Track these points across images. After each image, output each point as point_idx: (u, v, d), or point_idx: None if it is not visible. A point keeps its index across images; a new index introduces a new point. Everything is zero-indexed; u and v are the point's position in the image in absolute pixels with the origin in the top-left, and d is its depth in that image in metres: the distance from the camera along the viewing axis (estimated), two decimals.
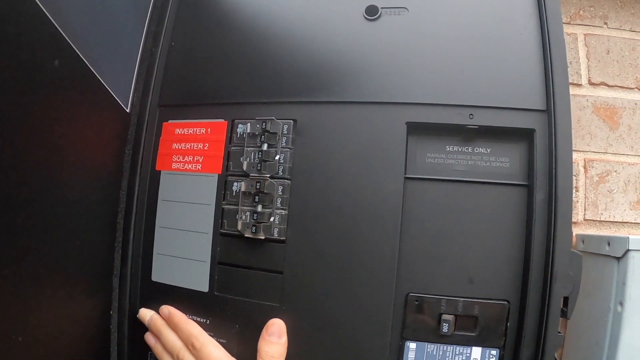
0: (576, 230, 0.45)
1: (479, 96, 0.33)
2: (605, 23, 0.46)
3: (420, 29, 0.34)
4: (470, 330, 0.33)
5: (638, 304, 0.33)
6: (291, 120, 0.35)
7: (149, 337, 0.37)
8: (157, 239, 0.37)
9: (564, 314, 0.32)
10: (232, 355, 0.35)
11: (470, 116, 0.33)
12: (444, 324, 0.32)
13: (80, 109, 0.32)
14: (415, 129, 0.33)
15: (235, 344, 0.35)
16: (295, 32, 0.36)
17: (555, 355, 0.32)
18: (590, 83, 0.45)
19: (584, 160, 0.45)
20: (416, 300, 0.33)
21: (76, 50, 0.30)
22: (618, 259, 0.34)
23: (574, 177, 0.45)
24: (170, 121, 0.38)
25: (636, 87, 0.45)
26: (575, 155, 0.45)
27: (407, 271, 0.34)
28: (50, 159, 0.28)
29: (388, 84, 0.34)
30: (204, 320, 0.36)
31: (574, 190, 0.45)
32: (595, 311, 0.37)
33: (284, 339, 0.34)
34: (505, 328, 0.33)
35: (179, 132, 0.37)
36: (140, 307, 0.37)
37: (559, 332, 0.32)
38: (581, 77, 0.45)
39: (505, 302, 0.33)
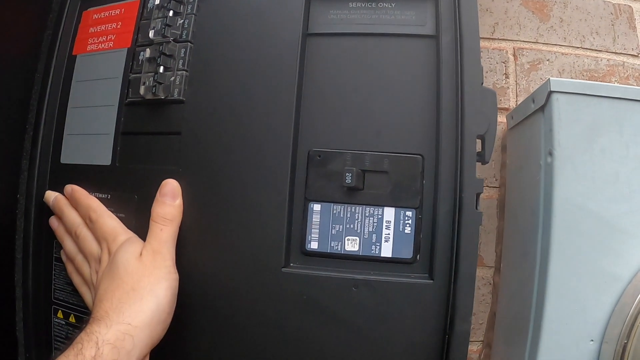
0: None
1: None
2: None
3: None
4: (381, 188, 0.29)
5: (569, 149, 0.28)
6: None
7: (52, 220, 0.34)
8: (68, 120, 0.36)
9: (481, 157, 0.28)
10: (130, 228, 0.31)
11: None
12: (348, 174, 0.28)
13: None
14: None
15: (134, 216, 0.32)
16: None
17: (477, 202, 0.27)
18: None
19: (513, 48, 0.42)
20: (319, 155, 0.30)
21: None
22: (543, 108, 0.30)
23: (502, 64, 0.41)
24: (90, 9, 0.38)
25: None
26: (503, 44, 0.42)
27: (311, 128, 0.31)
28: None
29: None
30: (105, 196, 0.33)
31: (503, 77, 0.41)
32: (527, 178, 0.32)
33: (178, 201, 0.30)
34: (421, 185, 0.29)
35: (96, 17, 0.37)
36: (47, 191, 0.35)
37: (479, 177, 0.27)
38: None
39: (419, 156, 0.29)
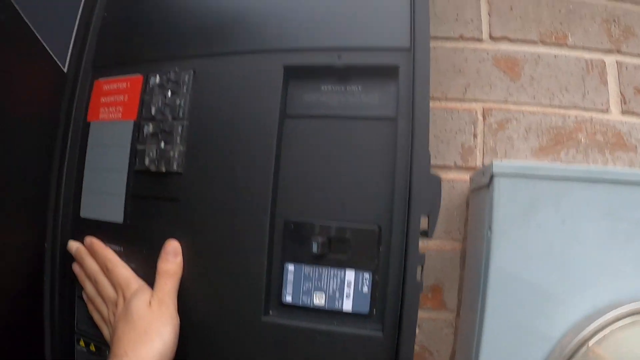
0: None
1: (347, 38, 0.39)
2: None
3: None
4: (344, 253, 0.38)
5: (504, 227, 0.35)
6: (191, 70, 0.42)
7: (75, 266, 0.44)
8: (85, 179, 0.45)
9: (426, 234, 0.36)
10: (140, 275, 0.41)
11: (339, 56, 0.38)
12: (314, 243, 0.37)
13: (24, 67, 0.41)
14: (293, 71, 0.39)
15: (143, 267, 0.41)
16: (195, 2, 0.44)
17: (419, 273, 0.35)
18: (491, 37, 0.49)
19: (483, 109, 0.48)
20: (292, 225, 0.38)
21: (23, 16, 0.39)
22: (487, 185, 0.37)
23: (472, 125, 0.48)
24: (101, 79, 0.46)
25: (540, 41, 0.48)
26: (473, 105, 0.49)
27: (287, 199, 0.39)
28: None
29: (268, 33, 0.40)
30: (119, 248, 0.43)
31: (471, 137, 0.48)
32: (478, 242, 0.40)
33: (179, 259, 0.40)
34: (377, 252, 0.37)
35: (106, 88, 0.46)
36: (70, 240, 0.45)
37: (422, 253, 0.35)
38: (482, 33, 0.49)
39: (376, 227, 0.37)
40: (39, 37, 0.41)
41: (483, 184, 0.39)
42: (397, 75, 0.38)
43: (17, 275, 0.43)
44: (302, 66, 0.39)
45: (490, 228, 0.36)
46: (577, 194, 0.35)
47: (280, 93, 0.39)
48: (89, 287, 0.43)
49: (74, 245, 0.44)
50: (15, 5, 0.38)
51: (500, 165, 0.36)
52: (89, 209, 0.45)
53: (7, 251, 0.40)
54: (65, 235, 0.45)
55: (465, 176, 0.49)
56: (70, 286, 0.45)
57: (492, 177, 0.36)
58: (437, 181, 0.36)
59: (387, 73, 0.38)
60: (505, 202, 0.36)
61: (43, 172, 0.45)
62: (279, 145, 0.39)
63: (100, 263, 0.42)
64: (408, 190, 0.35)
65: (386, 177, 0.37)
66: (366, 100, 0.39)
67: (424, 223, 0.36)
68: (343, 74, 0.39)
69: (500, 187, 0.36)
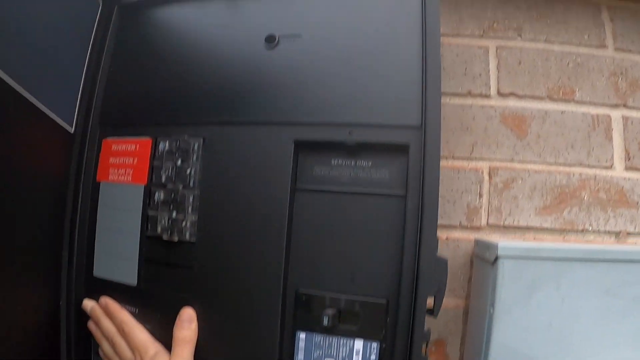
0: (479, 235, 0.50)
1: (359, 114, 0.39)
2: (519, 35, 0.50)
3: (310, 54, 0.41)
4: (353, 324, 0.40)
5: (506, 306, 0.37)
6: (201, 138, 0.42)
7: (90, 325, 0.46)
8: (97, 239, 0.46)
9: (432, 312, 0.38)
10: (155, 336, 0.43)
11: (349, 133, 0.39)
12: (325, 317, 0.39)
13: (31, 135, 0.41)
14: (304, 145, 0.40)
15: (158, 329, 0.43)
16: (206, 66, 0.44)
17: (424, 348, 0.38)
18: (499, 94, 0.49)
19: (489, 167, 0.50)
20: (304, 296, 0.40)
21: (25, 94, 0.39)
22: (492, 263, 0.39)
23: (478, 185, 0.49)
24: (108, 138, 0.47)
25: (547, 97, 0.49)
26: (480, 164, 0.50)
27: (298, 270, 0.40)
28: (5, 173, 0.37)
29: (280, 106, 0.41)
30: (134, 310, 0.44)
31: (477, 197, 0.50)
32: (479, 312, 0.42)
33: (194, 325, 0.42)
34: (384, 323, 0.39)
35: (115, 148, 0.46)
36: (84, 298, 0.46)
37: (426, 329, 0.37)
38: (490, 89, 0.49)
39: (384, 301, 0.39)
40: (43, 109, 0.41)
41: (488, 259, 0.41)
42: (407, 152, 0.39)
43: (34, 332, 0.45)
44: (312, 142, 0.40)
45: (492, 306, 0.38)
46: (577, 274, 0.37)
47: (291, 167, 0.40)
48: (105, 347, 0.45)
49: (88, 304, 0.46)
50: (14, 86, 0.38)
51: (505, 247, 0.38)
52: (102, 269, 0.46)
53: (22, 308, 0.42)
54: (79, 294, 0.47)
55: (470, 236, 0.50)
56: (85, 342, 0.47)
57: (497, 258, 0.38)
58: (444, 264, 0.37)
59: (397, 150, 0.39)
60: (508, 283, 0.38)
61: (55, 231, 0.46)
62: (291, 218, 0.40)
63: (116, 325, 0.44)
64: (415, 271, 0.37)
65: (394, 253, 0.39)
66: (376, 176, 0.40)
67: (430, 300, 0.37)
68: (353, 150, 0.40)
69: (505, 269, 0.38)
